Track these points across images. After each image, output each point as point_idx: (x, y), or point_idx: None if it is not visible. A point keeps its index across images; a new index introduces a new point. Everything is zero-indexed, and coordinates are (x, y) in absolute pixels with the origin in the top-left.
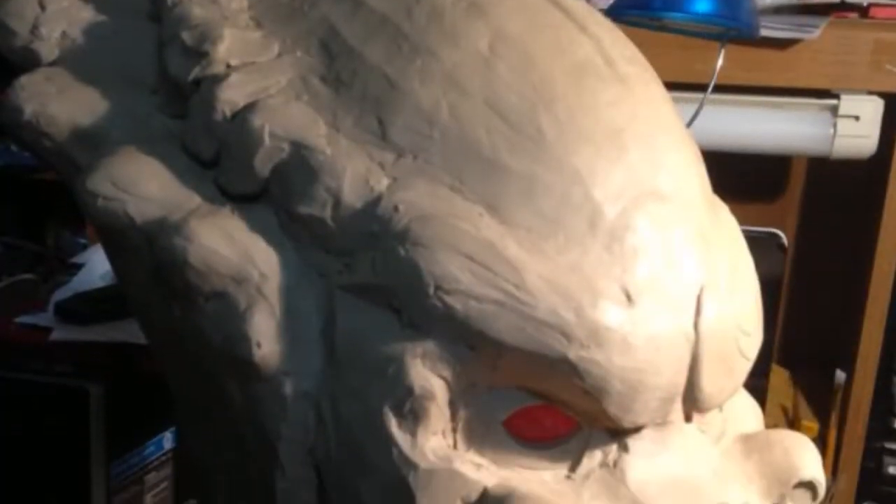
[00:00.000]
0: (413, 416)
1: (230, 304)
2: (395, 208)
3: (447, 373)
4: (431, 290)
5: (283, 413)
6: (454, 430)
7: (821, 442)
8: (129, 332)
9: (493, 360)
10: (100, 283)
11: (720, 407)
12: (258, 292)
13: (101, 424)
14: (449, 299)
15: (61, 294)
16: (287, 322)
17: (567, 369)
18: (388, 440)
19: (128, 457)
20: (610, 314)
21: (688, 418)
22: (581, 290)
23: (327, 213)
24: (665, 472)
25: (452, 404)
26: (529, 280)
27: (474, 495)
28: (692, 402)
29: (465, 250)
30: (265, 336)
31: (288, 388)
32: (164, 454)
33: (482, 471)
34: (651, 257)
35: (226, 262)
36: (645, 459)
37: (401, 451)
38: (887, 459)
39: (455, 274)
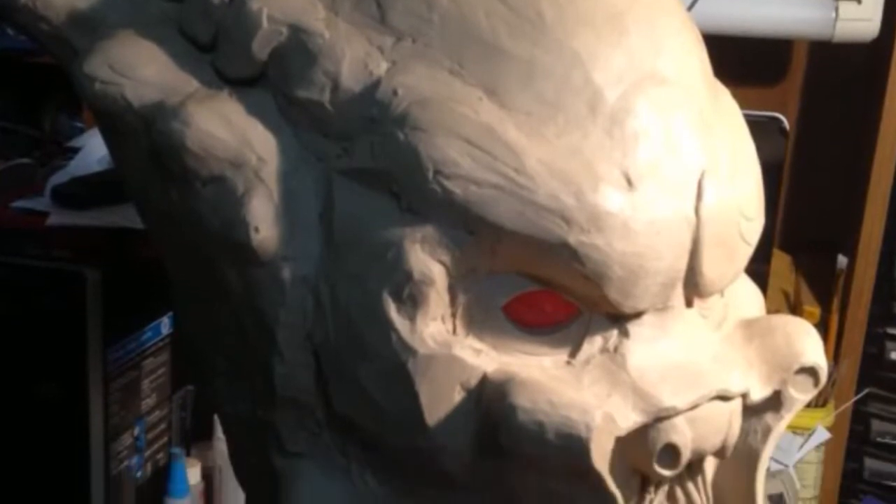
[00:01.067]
0: (412, 301)
1: (228, 188)
2: (394, 92)
3: (446, 258)
4: (430, 175)
5: (282, 298)
6: (453, 316)
7: (822, 327)
8: (126, 216)
9: (492, 245)
10: (97, 168)
11: (721, 292)
12: (256, 176)
13: (98, 309)
14: (448, 184)
15: (58, 178)
16: (285, 207)
17: (567, 254)
18: (387, 325)
19: (125, 342)
20: (610, 199)
21: (689, 303)
22: (581, 175)
23: (325, 97)
24: (665, 357)
25: (452, 290)
26: (529, 164)
27: (474, 381)
28: (693, 286)
29: (465, 134)
30: (263, 220)
31: (286, 272)
32: (161, 340)
33: (482, 356)
34: (651, 141)
35: (223, 145)
36: (645, 345)
37: (399, 337)
38: (889, 345)
39: (454, 158)
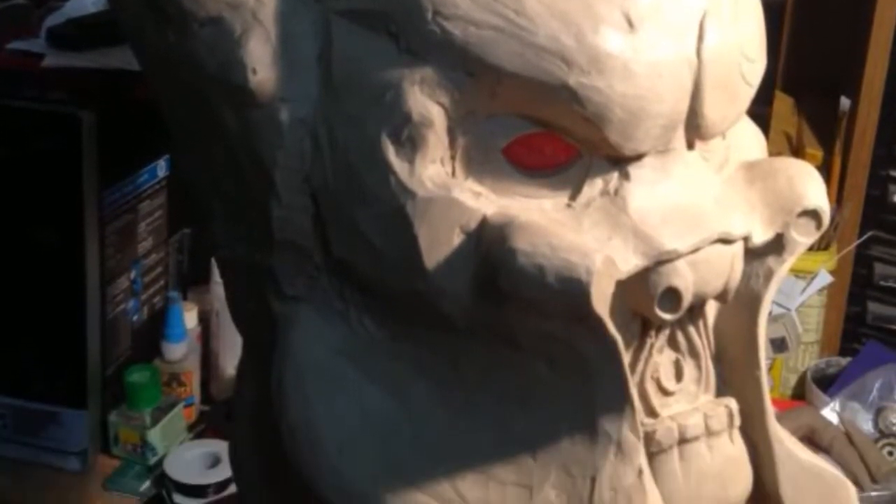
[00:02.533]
0: (410, 143)
1: (225, 29)
2: None
3: (445, 100)
4: (430, 16)
5: (279, 140)
6: (453, 159)
7: (825, 170)
8: (122, 58)
9: (491, 87)
10: (93, 9)
11: (723, 135)
12: (253, 18)
13: (94, 152)
14: (447, 24)
15: (54, 20)
16: (283, 48)
17: (567, 96)
18: (385, 168)
19: (121, 185)
20: (611, 40)
21: (690, 146)
22: (582, 16)
23: None
24: (666, 199)
25: (451, 132)
26: (529, 5)
27: (473, 224)
28: (695, 129)
29: None
30: (260, 62)
31: (284, 114)
32: (157, 182)
33: (481, 199)
34: None
35: None
36: (646, 187)
37: (398, 180)
38: (892, 187)
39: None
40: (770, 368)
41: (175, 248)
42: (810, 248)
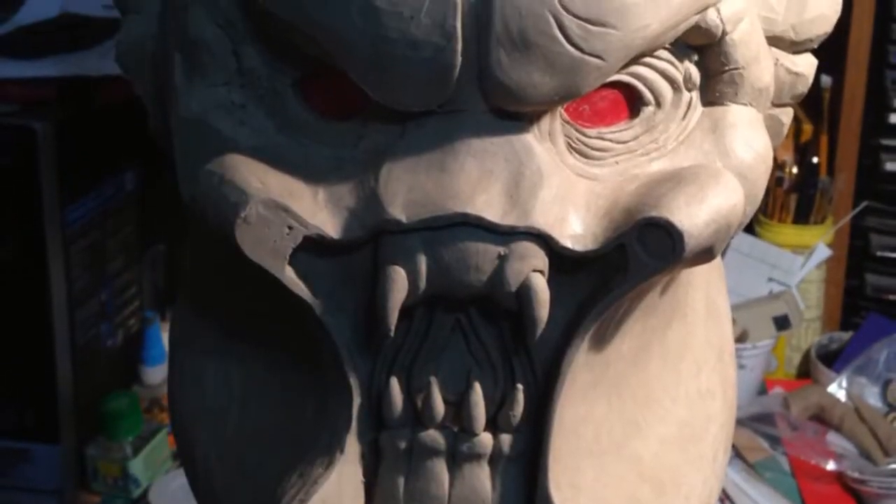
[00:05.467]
0: (189, 63)
1: None
2: None
3: (223, 21)
4: None
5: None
6: (243, 87)
7: (815, 143)
8: (78, 65)
9: (261, 14)
10: (45, 16)
11: (555, 107)
12: None
13: (52, 165)
14: None
15: (2, 30)
16: None
17: (310, 31)
18: (173, 84)
19: (84, 200)
20: None
21: (499, 111)
22: None
23: None
24: (429, 167)
25: (237, 57)
26: None
27: (226, 151)
28: (496, 92)
29: None
30: None
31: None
32: (125, 196)
33: (248, 131)
34: None
35: None
36: (413, 150)
37: (176, 97)
38: (884, 156)
39: None
40: (774, 347)
41: (149, 265)
42: (806, 222)
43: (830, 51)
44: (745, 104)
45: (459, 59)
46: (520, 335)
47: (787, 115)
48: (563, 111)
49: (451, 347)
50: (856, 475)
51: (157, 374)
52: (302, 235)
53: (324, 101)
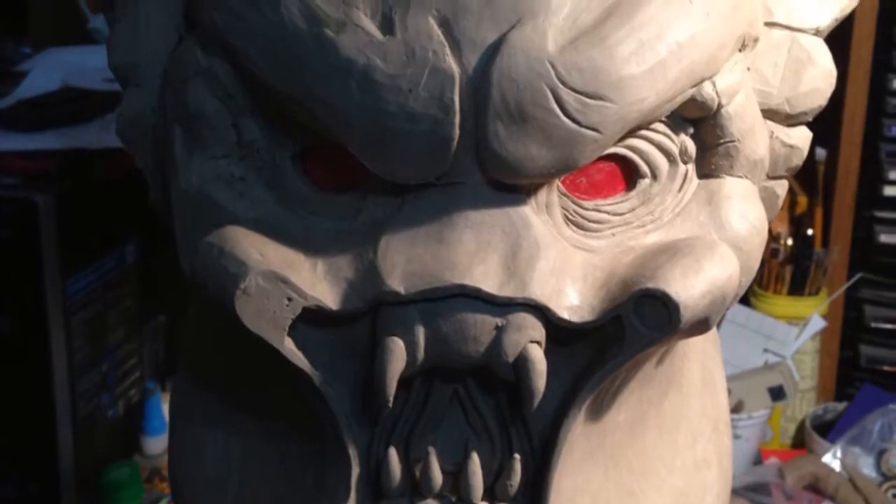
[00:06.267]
0: (191, 135)
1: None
2: None
3: (223, 94)
4: (206, 3)
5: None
6: (243, 159)
7: (810, 215)
8: (79, 138)
9: (261, 87)
10: (45, 89)
11: (552, 179)
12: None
13: (53, 238)
14: (216, 15)
15: (4, 103)
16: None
17: (309, 105)
18: (173, 157)
19: (85, 272)
20: (353, 42)
21: (496, 183)
22: (333, 9)
23: None
24: (428, 238)
25: (237, 129)
26: (285, 2)
27: (226, 223)
28: (493, 163)
29: None
30: (118, 47)
31: (134, 101)
32: (126, 268)
33: (248, 202)
34: None
35: None
36: (412, 222)
37: (177, 170)
38: (878, 228)
39: None
40: (769, 418)
41: (149, 336)
42: (801, 294)
43: (825, 124)
44: (741, 177)
45: (457, 131)
46: (517, 405)
47: (782, 188)
48: (559, 183)
49: (449, 417)
50: None
51: (157, 444)
52: (301, 307)
53: (323, 174)
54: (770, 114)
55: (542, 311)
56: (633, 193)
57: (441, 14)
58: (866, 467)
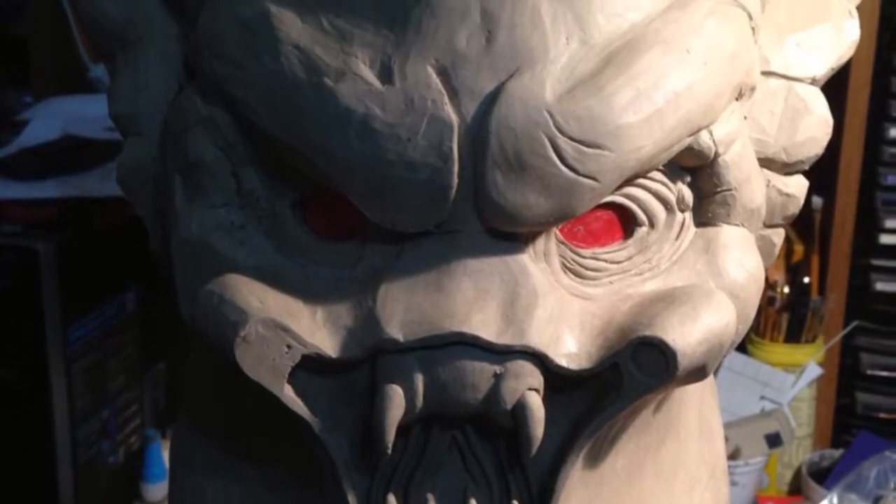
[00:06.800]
0: (191, 183)
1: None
2: None
3: (223, 143)
4: (205, 53)
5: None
6: (243, 208)
7: (806, 264)
8: (79, 186)
9: (261, 135)
10: (47, 138)
11: (549, 227)
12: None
13: (54, 286)
14: (216, 64)
15: (5, 151)
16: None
17: (309, 154)
18: (173, 205)
19: (86, 321)
20: (353, 91)
21: (494, 231)
22: (330, 59)
23: None
24: (426, 286)
25: (237, 178)
26: (284, 50)
27: (226, 271)
28: (491, 212)
29: (240, 15)
30: (119, 97)
31: (135, 150)
32: (127, 316)
33: (248, 250)
34: (444, 24)
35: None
36: (410, 270)
37: (177, 218)
38: (874, 276)
39: (223, 37)
40: (766, 465)
41: (150, 384)
42: (798, 341)
43: (821, 172)
44: (738, 225)
45: (456, 180)
46: (515, 452)
47: (778, 236)
48: (557, 231)
49: (447, 464)
50: None
51: (158, 491)
52: (300, 354)
53: (322, 222)
54: (767, 162)
55: (540, 359)
56: (630, 242)
57: (440, 63)
58: None
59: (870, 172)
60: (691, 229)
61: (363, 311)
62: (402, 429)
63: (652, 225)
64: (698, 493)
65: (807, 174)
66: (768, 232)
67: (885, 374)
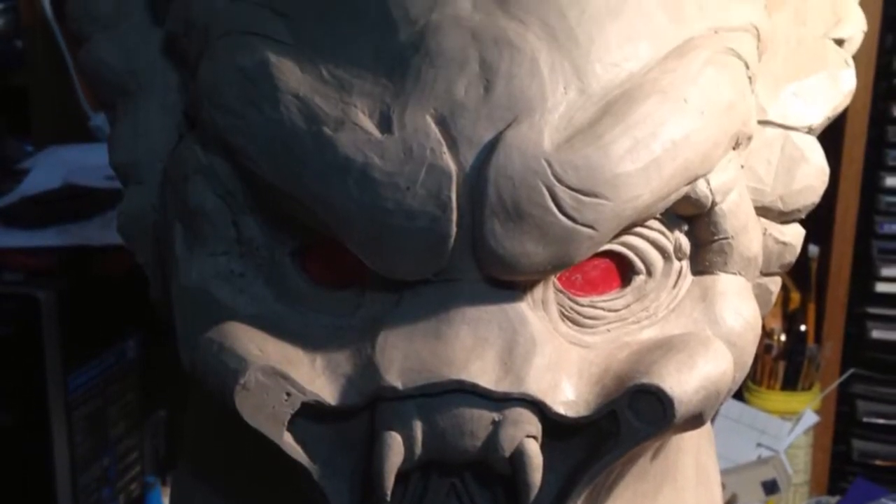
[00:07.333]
0: (191, 232)
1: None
2: (205, 27)
3: (223, 191)
4: (205, 103)
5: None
6: (242, 256)
7: (803, 311)
8: (80, 235)
9: (261, 184)
10: (47, 187)
11: (548, 276)
12: (127, 109)
13: (55, 334)
14: (216, 113)
15: (7, 200)
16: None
17: (308, 203)
18: (173, 253)
19: (86, 368)
20: (352, 140)
21: (494, 280)
22: (331, 109)
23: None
24: (426, 334)
25: (237, 227)
26: (284, 99)
27: (225, 319)
28: (487, 259)
29: (240, 63)
30: (119, 147)
31: (135, 198)
32: (127, 363)
33: (247, 299)
34: (441, 75)
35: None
36: (412, 318)
37: (177, 265)
38: (870, 324)
39: (222, 87)
40: None
41: (150, 431)
42: (794, 389)
43: (818, 221)
44: (735, 273)
45: (454, 228)
46: (514, 499)
47: (775, 284)
48: (555, 280)
49: None
50: None
51: None
52: (300, 402)
53: (322, 270)
54: (763, 211)
55: (538, 406)
56: (628, 290)
57: (438, 112)
58: None
59: (866, 221)
60: (688, 277)
61: (362, 359)
62: (401, 476)
63: (649, 273)
64: None
65: (803, 223)
66: (765, 280)
67: (881, 421)
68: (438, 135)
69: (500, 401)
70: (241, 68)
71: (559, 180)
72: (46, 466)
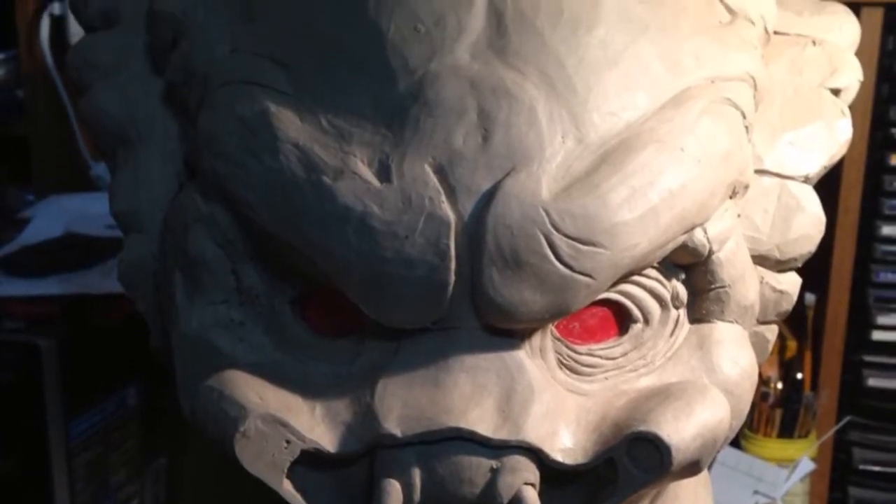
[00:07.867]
0: (191, 281)
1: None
2: (204, 77)
3: (223, 240)
4: (205, 153)
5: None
6: (242, 305)
7: (799, 360)
8: (81, 283)
9: (261, 233)
10: (48, 236)
11: (546, 324)
12: (127, 160)
13: (56, 381)
14: (216, 162)
15: (8, 249)
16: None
17: (308, 252)
18: (174, 302)
19: (87, 415)
20: (351, 190)
21: (492, 328)
22: (329, 157)
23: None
24: (424, 382)
25: (237, 276)
26: (284, 148)
27: (225, 367)
28: (485, 308)
29: (241, 113)
30: (120, 195)
31: (136, 247)
32: (128, 411)
33: (246, 348)
34: (441, 124)
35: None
36: (409, 366)
37: (177, 315)
38: (866, 372)
39: (223, 136)
40: None
41: (151, 478)
42: (791, 436)
43: (814, 269)
44: (731, 321)
45: (453, 277)
46: None
47: (772, 332)
48: (553, 328)
49: None
50: None
51: None
52: (300, 449)
53: (321, 319)
54: (760, 259)
55: (536, 454)
56: (625, 338)
57: (437, 161)
58: None
59: (862, 270)
60: (686, 326)
61: (362, 407)
62: None
63: (647, 321)
64: None
65: (800, 271)
66: (762, 328)
67: (877, 468)
68: (437, 184)
69: (499, 448)
70: (241, 118)
71: (557, 229)
72: None
